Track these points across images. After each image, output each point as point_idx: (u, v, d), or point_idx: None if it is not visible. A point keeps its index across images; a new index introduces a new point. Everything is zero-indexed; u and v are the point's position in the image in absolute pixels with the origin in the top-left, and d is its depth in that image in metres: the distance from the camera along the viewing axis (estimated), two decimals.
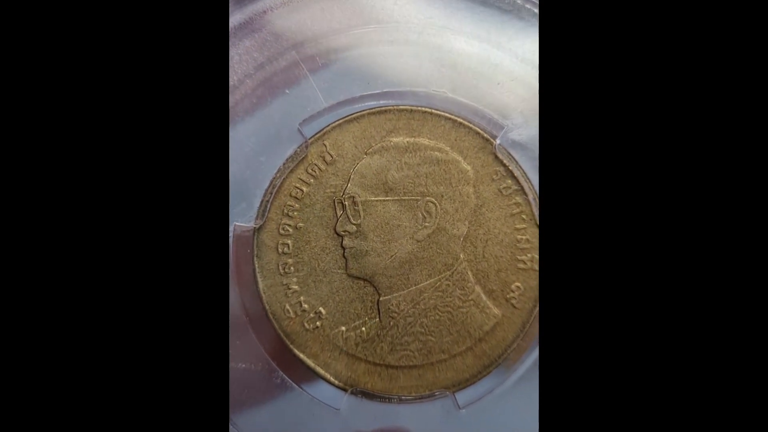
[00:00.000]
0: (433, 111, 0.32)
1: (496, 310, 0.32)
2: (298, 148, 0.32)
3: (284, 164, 0.32)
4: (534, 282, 0.32)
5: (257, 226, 0.32)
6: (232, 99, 0.31)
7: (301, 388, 0.31)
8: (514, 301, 0.32)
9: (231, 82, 0.31)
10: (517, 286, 0.32)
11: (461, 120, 0.32)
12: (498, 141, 0.32)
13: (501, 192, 0.32)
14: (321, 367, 0.32)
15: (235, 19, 0.31)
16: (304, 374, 0.31)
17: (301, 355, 0.31)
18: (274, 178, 0.32)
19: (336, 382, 0.32)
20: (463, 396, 0.32)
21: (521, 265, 0.32)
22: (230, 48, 0.31)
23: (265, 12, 0.32)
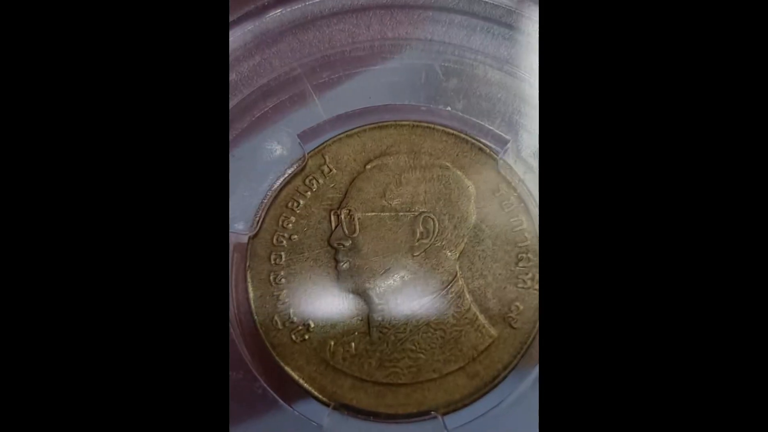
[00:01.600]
0: (434, 126, 0.32)
1: (492, 330, 0.30)
2: (297, 160, 0.32)
3: (282, 175, 0.32)
4: (535, 302, 0.30)
5: (251, 234, 0.31)
6: (233, 109, 0.32)
7: (284, 401, 0.30)
8: (512, 321, 0.30)
9: (232, 93, 0.32)
10: (517, 306, 0.30)
11: (464, 135, 0.32)
12: (501, 156, 0.31)
13: (502, 208, 0.31)
14: (306, 381, 0.30)
15: (237, 32, 0.32)
16: (289, 387, 0.30)
17: (287, 368, 0.31)
18: (271, 188, 0.32)
19: (320, 396, 0.30)
20: (452, 418, 0.30)
21: (521, 285, 0.30)
22: (234, 61, 0.32)
23: (268, 27, 0.32)
